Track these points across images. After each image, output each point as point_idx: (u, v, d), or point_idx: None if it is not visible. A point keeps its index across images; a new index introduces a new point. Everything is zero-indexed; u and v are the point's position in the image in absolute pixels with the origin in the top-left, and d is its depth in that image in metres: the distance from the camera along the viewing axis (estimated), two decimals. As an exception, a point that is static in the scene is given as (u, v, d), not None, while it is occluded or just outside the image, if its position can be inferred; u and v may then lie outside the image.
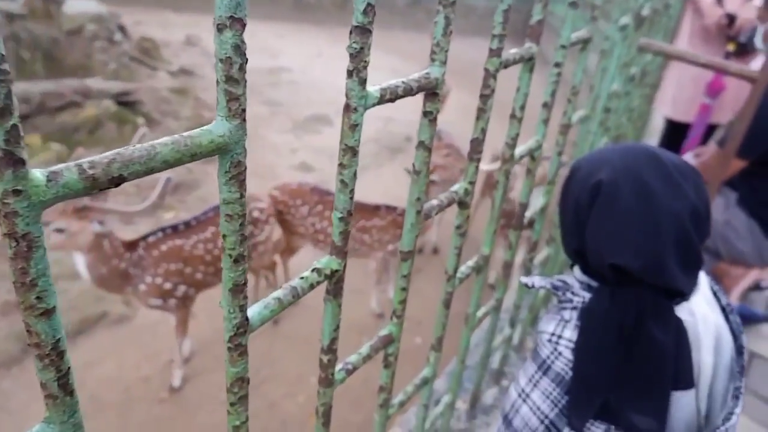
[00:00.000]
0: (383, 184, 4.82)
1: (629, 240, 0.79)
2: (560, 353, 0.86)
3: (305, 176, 5.21)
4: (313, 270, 0.60)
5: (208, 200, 4.70)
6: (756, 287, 2.58)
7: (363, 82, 0.52)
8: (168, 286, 2.63)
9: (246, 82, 0.40)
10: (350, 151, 0.55)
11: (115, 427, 2.68)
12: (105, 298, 3.34)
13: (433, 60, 0.64)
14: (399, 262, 0.78)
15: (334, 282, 0.63)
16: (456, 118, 5.97)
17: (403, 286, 0.79)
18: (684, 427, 0.85)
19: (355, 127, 0.54)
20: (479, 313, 1.19)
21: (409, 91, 0.59)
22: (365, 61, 0.51)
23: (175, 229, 2.73)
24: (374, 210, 3.39)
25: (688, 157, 2.85)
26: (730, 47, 2.75)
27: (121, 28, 6.28)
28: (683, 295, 0.83)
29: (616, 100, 1.56)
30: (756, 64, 2.57)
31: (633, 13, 1.35)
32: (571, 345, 0.85)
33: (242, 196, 0.44)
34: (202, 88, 6.57)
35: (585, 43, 1.10)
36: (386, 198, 4.25)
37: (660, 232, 0.78)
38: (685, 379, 0.82)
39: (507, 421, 0.94)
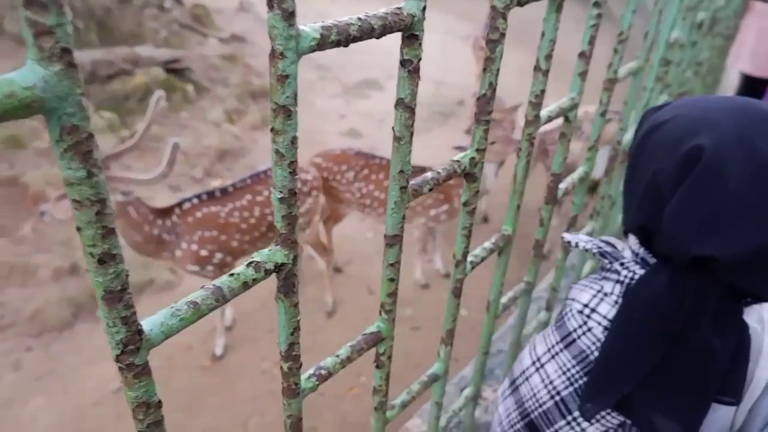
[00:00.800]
0: (432, 149, 4.63)
1: (732, 230, 0.61)
2: (590, 329, 0.75)
3: (353, 142, 5.10)
4: (249, 264, 0.47)
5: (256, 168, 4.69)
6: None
7: (289, 16, 0.38)
8: (204, 252, 2.61)
9: (64, 7, 0.27)
10: (282, 111, 0.42)
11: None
12: (152, 266, 3.38)
13: (409, -10, 0.49)
14: (386, 248, 0.64)
15: (284, 278, 0.51)
16: (515, 84, 5.67)
17: (391, 277, 0.66)
18: None
19: (284, 78, 0.40)
20: (504, 300, 1.04)
21: (368, 31, 0.45)
22: (287, -14, 0.37)
23: (211, 196, 2.69)
24: (418, 172, 3.26)
25: None
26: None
27: (175, -5, 6.29)
28: (759, 301, 0.68)
29: (679, 50, 1.34)
30: None
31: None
32: (605, 323, 0.74)
33: (92, 174, 0.31)
34: (252, 54, 6.53)
35: (635, -22, 0.91)
36: (436, 164, 4.09)
37: None
38: (733, 394, 0.69)
39: (513, 386, 0.84)
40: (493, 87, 0.65)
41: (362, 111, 5.83)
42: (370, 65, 6.89)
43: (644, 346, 0.68)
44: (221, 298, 0.45)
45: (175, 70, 4.89)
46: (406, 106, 0.54)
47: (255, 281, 0.48)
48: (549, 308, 1.30)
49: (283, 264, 0.50)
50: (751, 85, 3.08)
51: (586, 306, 0.76)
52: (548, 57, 0.74)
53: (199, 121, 4.76)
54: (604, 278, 0.77)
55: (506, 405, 0.85)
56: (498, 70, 0.64)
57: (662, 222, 0.67)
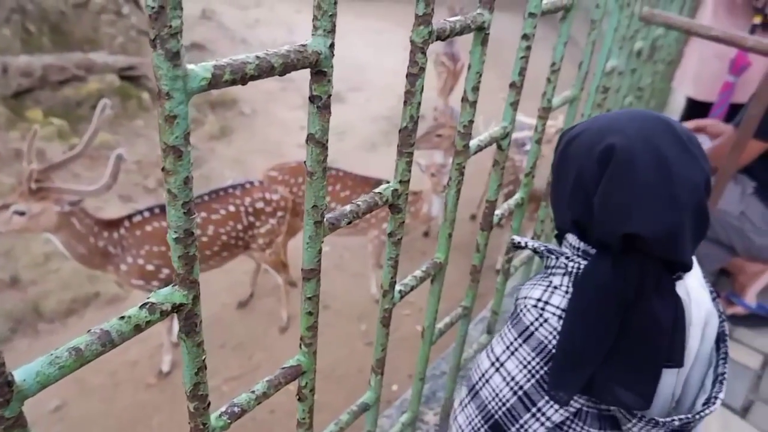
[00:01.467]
0: (392, 163, 4.64)
1: (648, 210, 0.73)
2: (546, 320, 0.81)
3: (313, 154, 5.07)
4: (143, 306, 0.45)
5: (212, 179, 4.60)
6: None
7: (174, 56, 0.37)
8: (150, 267, 2.54)
9: None
10: (173, 151, 0.40)
11: (99, 412, 2.62)
12: (98, 278, 3.28)
13: (315, 28, 0.48)
14: (304, 282, 0.63)
15: (184, 318, 0.49)
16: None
17: (310, 310, 0.64)
18: (659, 407, 0.83)
19: (173, 119, 0.39)
20: (440, 326, 1.04)
21: (267, 70, 0.44)
22: (170, 26, 0.36)
23: (164, 210, 2.63)
24: (375, 184, 3.26)
25: (703, 139, 2.62)
26: (757, 20, 2.49)
27: (135, 1, 6.16)
28: (686, 269, 0.79)
29: (618, 78, 1.38)
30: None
31: (635, -22, 1.16)
32: (559, 312, 0.81)
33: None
34: (212, 62, 6.43)
35: (566, 11, 0.92)
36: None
37: (679, 202, 0.73)
38: (676, 358, 0.79)
39: (473, 392, 0.88)
40: (414, 120, 0.65)
41: (323, 123, 5.80)
42: (334, 78, 6.87)
43: (600, 326, 0.75)
44: (108, 344, 0.43)
45: (130, 77, 4.78)
46: (317, 142, 0.53)
47: (149, 323, 0.46)
48: (490, 331, 1.30)
49: (182, 305, 0.48)
50: (696, 108, 3.17)
51: (539, 300, 0.82)
52: (474, 89, 0.75)
53: (155, 130, 4.66)
54: (551, 274, 0.84)
55: (467, 413, 0.89)
56: (419, 103, 0.64)
57: (593, 212, 0.78)
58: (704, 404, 0.82)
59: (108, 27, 5.15)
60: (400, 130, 0.66)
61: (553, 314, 0.81)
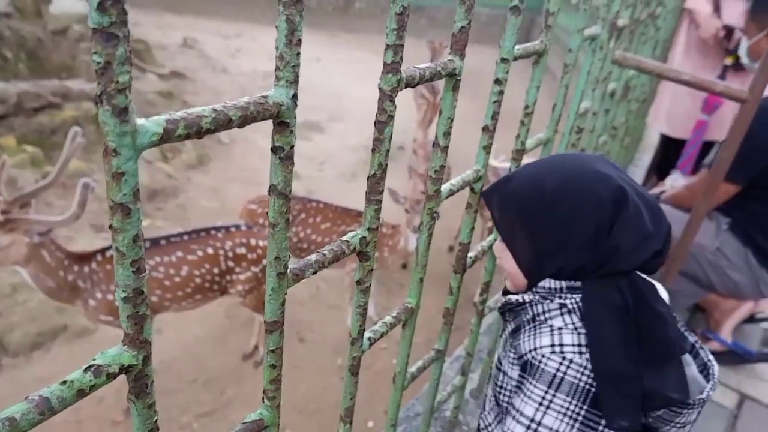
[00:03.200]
0: (371, 194, 4.63)
1: (649, 234, 0.83)
2: (571, 360, 0.81)
3: (293, 185, 5.05)
4: (88, 368, 0.42)
5: (188, 209, 4.54)
6: (751, 319, 2.39)
7: (121, 112, 0.35)
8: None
9: None
10: (120, 209, 0.38)
11: (62, 452, 2.51)
12: (67, 310, 3.18)
13: (277, 78, 0.47)
14: (267, 334, 0.60)
15: (133, 380, 0.46)
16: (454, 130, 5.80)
17: (273, 363, 0.62)
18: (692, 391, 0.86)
19: (120, 176, 0.37)
20: (413, 369, 1.01)
21: (224, 123, 0.42)
22: (117, 82, 0.34)
23: (137, 245, 2.56)
24: (356, 216, 3.23)
25: (677, 175, 2.66)
26: (728, 61, 2.56)
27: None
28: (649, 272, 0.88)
29: (592, 118, 1.39)
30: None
31: (606, 23, 1.18)
32: (577, 349, 0.82)
33: None
34: (192, 92, 6.43)
35: (539, 56, 0.93)
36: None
37: (661, 232, 0.85)
38: (682, 345, 0.85)
39: None
40: (383, 167, 0.64)
41: (302, 153, 5.80)
42: (313, 107, 6.91)
43: (621, 340, 0.80)
44: (48, 411, 0.40)
45: (108, 105, 4.73)
46: (279, 193, 0.51)
47: (94, 387, 0.43)
48: (464, 373, 1.28)
49: (131, 366, 0.45)
50: (670, 145, 3.24)
51: (553, 345, 0.83)
52: (446, 134, 0.74)
53: (131, 159, 4.61)
54: (546, 320, 0.87)
55: None
56: (388, 150, 0.63)
57: (608, 250, 0.82)
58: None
59: (86, 54, 5.12)
60: (368, 177, 0.64)
61: (573, 352, 0.82)
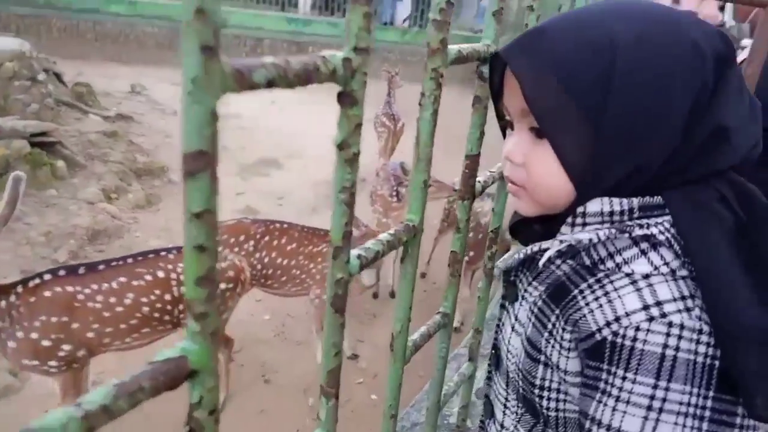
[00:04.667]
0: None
1: (754, 106, 0.60)
2: (682, 326, 0.53)
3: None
4: None
5: (135, 249, 4.15)
6: None
7: None
8: (46, 343, 2.07)
9: None
10: None
11: None
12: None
13: None
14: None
15: None
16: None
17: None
18: None
19: None
20: (415, 337, 0.73)
21: None
22: None
23: (71, 272, 2.18)
24: (324, 236, 2.93)
25: None
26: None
27: (57, 76, 5.83)
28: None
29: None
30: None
31: None
32: (682, 304, 0.54)
33: None
34: (139, 133, 6.10)
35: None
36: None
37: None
38: None
39: None
40: None
41: (260, 189, 5.51)
42: (270, 145, 6.66)
43: (755, 282, 0.53)
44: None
45: (42, 143, 4.37)
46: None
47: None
48: (472, 357, 0.99)
49: None
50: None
51: (646, 308, 0.54)
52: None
53: (69, 199, 4.22)
54: (620, 265, 0.58)
55: None
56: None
57: (702, 133, 0.57)
58: None
59: (19, 93, 4.77)
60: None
61: (679, 311, 0.54)
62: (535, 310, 0.65)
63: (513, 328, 0.70)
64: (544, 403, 0.65)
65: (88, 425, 0.29)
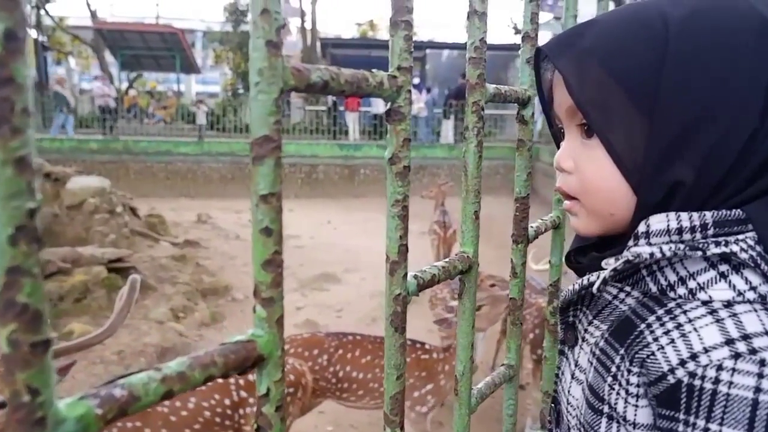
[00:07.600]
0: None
1: None
2: None
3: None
4: None
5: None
6: None
7: None
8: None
9: None
10: None
11: None
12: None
13: None
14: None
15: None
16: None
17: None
18: None
19: None
20: (480, 386, 0.73)
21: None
22: None
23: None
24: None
25: None
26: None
27: (132, 209, 6.35)
28: None
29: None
30: None
31: None
32: None
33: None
34: (205, 257, 6.42)
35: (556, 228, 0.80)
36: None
37: None
38: None
39: None
40: None
41: (319, 303, 5.59)
42: (327, 262, 6.84)
43: None
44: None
45: (118, 269, 4.66)
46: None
47: None
48: (543, 425, 0.95)
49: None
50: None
51: (730, 342, 0.45)
52: None
53: (141, 320, 4.40)
54: (694, 292, 0.48)
55: None
56: None
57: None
58: None
59: (100, 225, 5.19)
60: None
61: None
62: (597, 353, 0.56)
63: (573, 375, 0.62)
64: None
65: (167, 388, 0.33)
